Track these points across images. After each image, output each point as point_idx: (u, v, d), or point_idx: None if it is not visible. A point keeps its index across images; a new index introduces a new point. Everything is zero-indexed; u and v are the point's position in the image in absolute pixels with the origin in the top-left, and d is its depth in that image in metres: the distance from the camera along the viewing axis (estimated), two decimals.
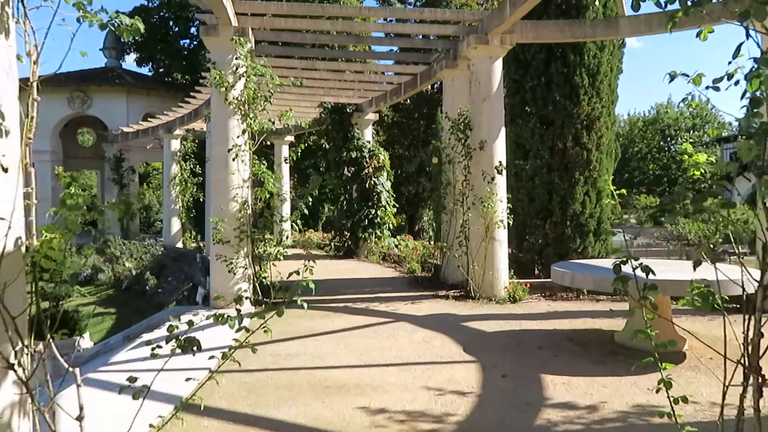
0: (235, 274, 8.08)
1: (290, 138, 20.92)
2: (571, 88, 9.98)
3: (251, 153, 8.48)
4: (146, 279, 15.13)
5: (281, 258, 8.50)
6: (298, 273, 2.87)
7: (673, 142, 62.79)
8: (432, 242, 15.46)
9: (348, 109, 15.97)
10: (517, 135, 10.32)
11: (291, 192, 24.44)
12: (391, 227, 15.94)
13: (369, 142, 15.98)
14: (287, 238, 7.76)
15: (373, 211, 15.26)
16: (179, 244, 19.11)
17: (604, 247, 10.30)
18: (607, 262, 6.42)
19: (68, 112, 23.55)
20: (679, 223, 31.06)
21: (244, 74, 8.16)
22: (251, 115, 8.19)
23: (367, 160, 15.35)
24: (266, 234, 8.61)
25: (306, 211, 8.25)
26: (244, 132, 8.15)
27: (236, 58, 8.05)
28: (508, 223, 8.87)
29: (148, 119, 20.55)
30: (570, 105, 9.99)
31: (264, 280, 8.47)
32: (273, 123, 8.59)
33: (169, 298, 12.18)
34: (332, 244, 17.00)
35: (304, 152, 27.97)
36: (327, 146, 17.46)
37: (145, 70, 29.40)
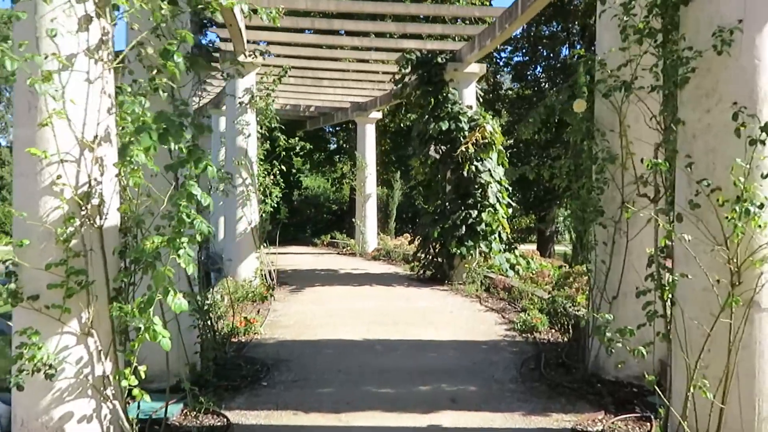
0: (51, 378, 3.16)
1: (376, 114, 15.95)
2: None
3: (111, 70, 3.45)
4: None
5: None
6: None
7: None
8: (571, 264, 9.60)
9: (439, 59, 10.58)
10: None
11: (379, 186, 19.44)
12: (504, 238, 10.33)
13: (470, 107, 10.48)
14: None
15: (474, 213, 9.76)
16: None
17: None
18: None
19: None
20: None
21: None
22: None
23: (466, 133, 9.88)
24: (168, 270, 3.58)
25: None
26: (83, 15, 3.15)
27: None
28: None
29: None
30: None
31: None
32: None
33: None
34: (417, 259, 11.69)
35: (397, 135, 22.75)
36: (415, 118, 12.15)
37: None
